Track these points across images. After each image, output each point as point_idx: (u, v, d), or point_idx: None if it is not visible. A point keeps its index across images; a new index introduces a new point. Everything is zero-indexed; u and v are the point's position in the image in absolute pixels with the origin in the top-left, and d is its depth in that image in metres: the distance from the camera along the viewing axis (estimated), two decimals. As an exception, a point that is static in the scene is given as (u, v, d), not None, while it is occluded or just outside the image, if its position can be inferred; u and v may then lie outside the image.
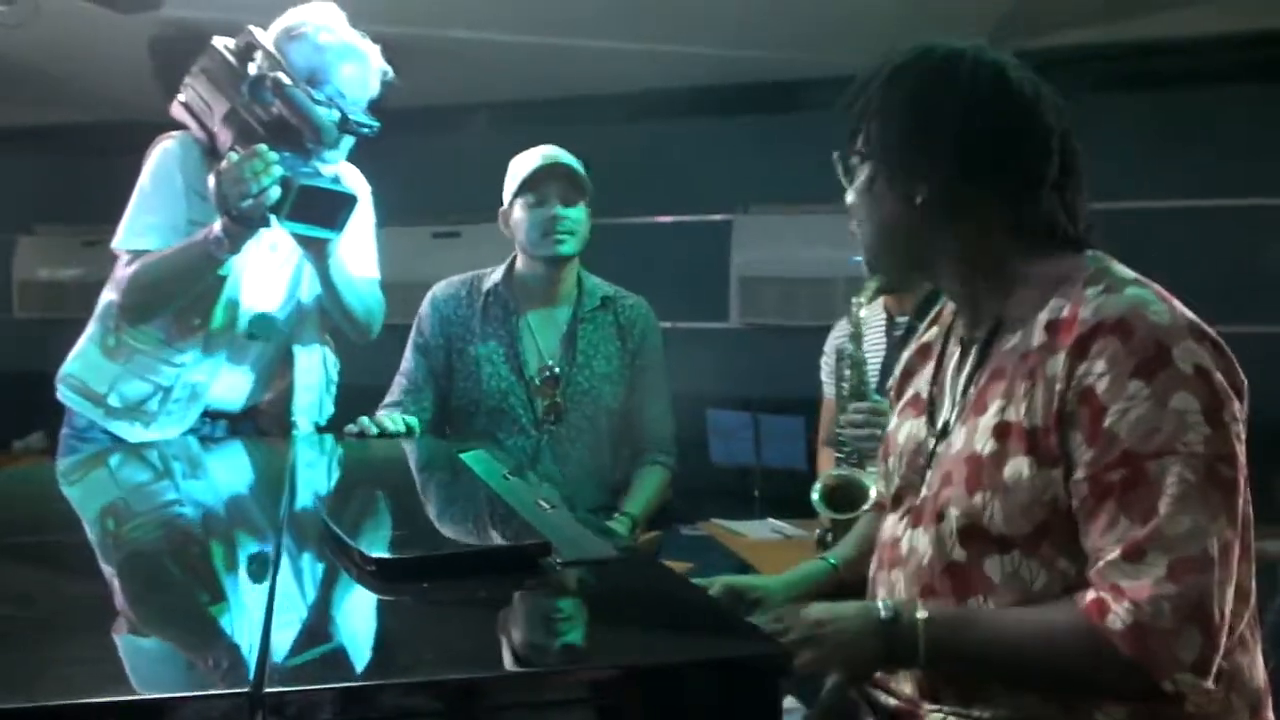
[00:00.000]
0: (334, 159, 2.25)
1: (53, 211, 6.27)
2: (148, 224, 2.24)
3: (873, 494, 2.09)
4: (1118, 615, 1.12)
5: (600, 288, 2.60)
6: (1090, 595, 1.15)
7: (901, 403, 1.48)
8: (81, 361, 2.32)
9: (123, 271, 2.25)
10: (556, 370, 2.50)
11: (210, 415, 2.37)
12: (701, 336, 5.18)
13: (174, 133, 2.29)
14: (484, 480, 1.58)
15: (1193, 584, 1.11)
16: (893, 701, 1.32)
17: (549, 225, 2.45)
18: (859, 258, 2.34)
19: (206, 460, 2.16)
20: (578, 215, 2.48)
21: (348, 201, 2.16)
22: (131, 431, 2.29)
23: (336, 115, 2.15)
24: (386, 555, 1.07)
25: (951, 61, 1.29)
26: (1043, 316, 1.24)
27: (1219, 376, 1.17)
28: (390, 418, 2.30)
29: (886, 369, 2.36)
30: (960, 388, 1.35)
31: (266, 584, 1.08)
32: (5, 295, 6.43)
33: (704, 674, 0.86)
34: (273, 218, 2.10)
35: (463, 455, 1.83)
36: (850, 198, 1.39)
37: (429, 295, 2.61)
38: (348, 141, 2.24)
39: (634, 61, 4.78)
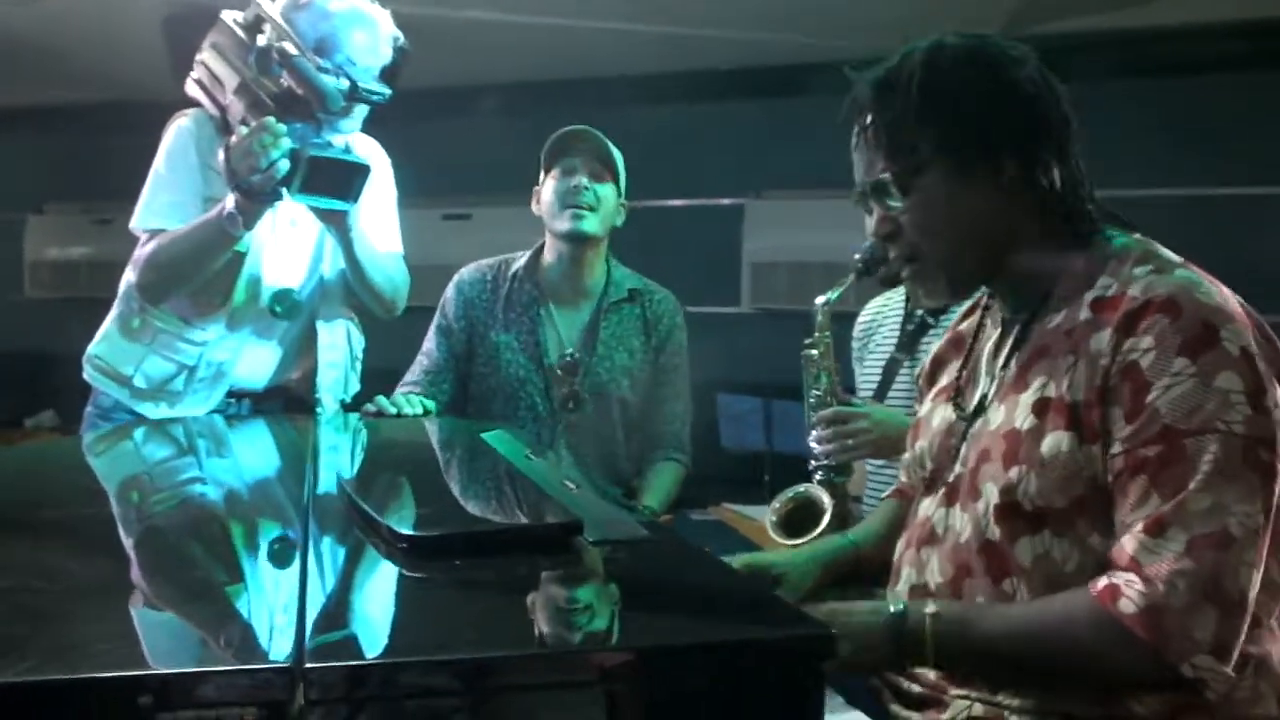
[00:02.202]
0: (347, 129, 2.23)
1: (63, 191, 6.28)
2: (164, 202, 2.24)
3: (828, 509, 2.03)
4: (1130, 599, 1.11)
5: (629, 279, 2.56)
6: (1102, 582, 1.14)
7: (934, 389, 1.48)
8: (106, 343, 2.33)
9: (141, 251, 2.25)
10: (576, 359, 2.48)
11: (235, 395, 2.36)
12: (713, 321, 5.17)
13: (188, 110, 2.28)
14: (508, 460, 1.58)
15: (1210, 561, 1.10)
16: (916, 688, 1.32)
17: (571, 196, 2.40)
18: (869, 244, 2.27)
19: (234, 439, 2.16)
20: (603, 192, 2.43)
21: (360, 171, 2.13)
22: (157, 411, 2.29)
23: (345, 84, 2.13)
24: (418, 533, 1.07)
25: (957, 50, 1.28)
26: (1089, 295, 1.24)
27: (1263, 362, 1.16)
28: (407, 399, 2.30)
29: (889, 371, 2.27)
30: (999, 366, 1.34)
31: (299, 562, 1.09)
32: (17, 275, 6.44)
33: (751, 655, 0.86)
34: (285, 192, 2.08)
35: (484, 435, 1.83)
36: (903, 209, 1.32)
37: (455, 278, 2.58)
38: (361, 110, 2.22)
39: (646, 44, 4.77)
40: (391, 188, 2.48)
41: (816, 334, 2.15)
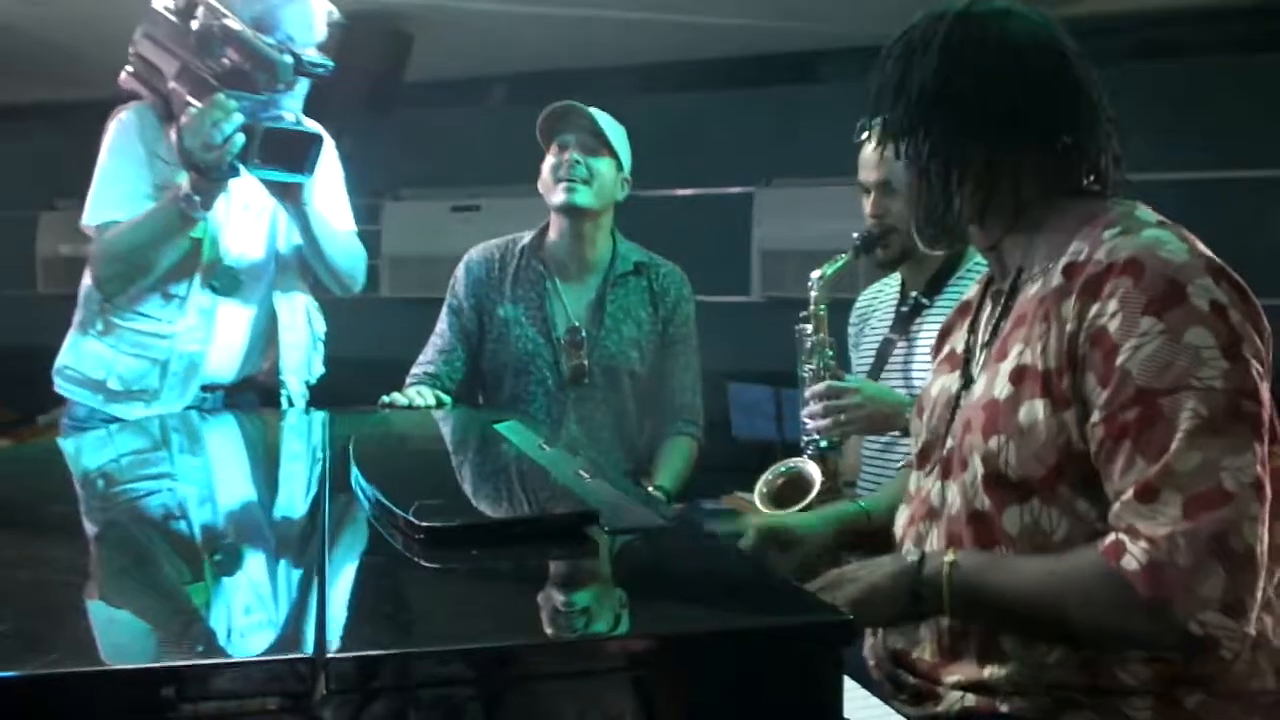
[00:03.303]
0: (290, 106, 2.20)
1: (74, 187, 6.26)
2: (114, 194, 2.22)
3: (818, 482, 2.04)
4: (1133, 555, 1.11)
5: (634, 253, 2.58)
6: (1109, 539, 1.14)
7: (938, 359, 1.49)
8: (74, 352, 2.30)
9: (95, 246, 2.23)
10: (583, 332, 2.50)
11: (207, 388, 2.34)
12: (723, 310, 5.16)
13: (128, 104, 2.27)
14: (522, 450, 1.58)
15: (1210, 519, 1.09)
16: (913, 680, 1.33)
17: (564, 170, 2.41)
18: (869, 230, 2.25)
19: (243, 435, 2.17)
20: (597, 165, 2.43)
21: (315, 141, 2.14)
22: (133, 412, 2.26)
23: (289, 58, 2.11)
24: (436, 523, 1.07)
25: (980, 17, 1.30)
26: (1062, 260, 1.24)
27: (1237, 314, 1.15)
28: (419, 392, 2.32)
29: (883, 352, 2.26)
30: (985, 338, 1.35)
31: (317, 554, 1.09)
32: (29, 271, 6.46)
33: (769, 642, 0.86)
34: (242, 168, 2.08)
35: (497, 426, 1.84)
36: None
37: (465, 258, 2.61)
38: (303, 87, 2.21)
39: (654, 33, 4.76)
40: (338, 168, 2.48)
41: (810, 308, 2.15)
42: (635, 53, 5.04)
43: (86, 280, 2.30)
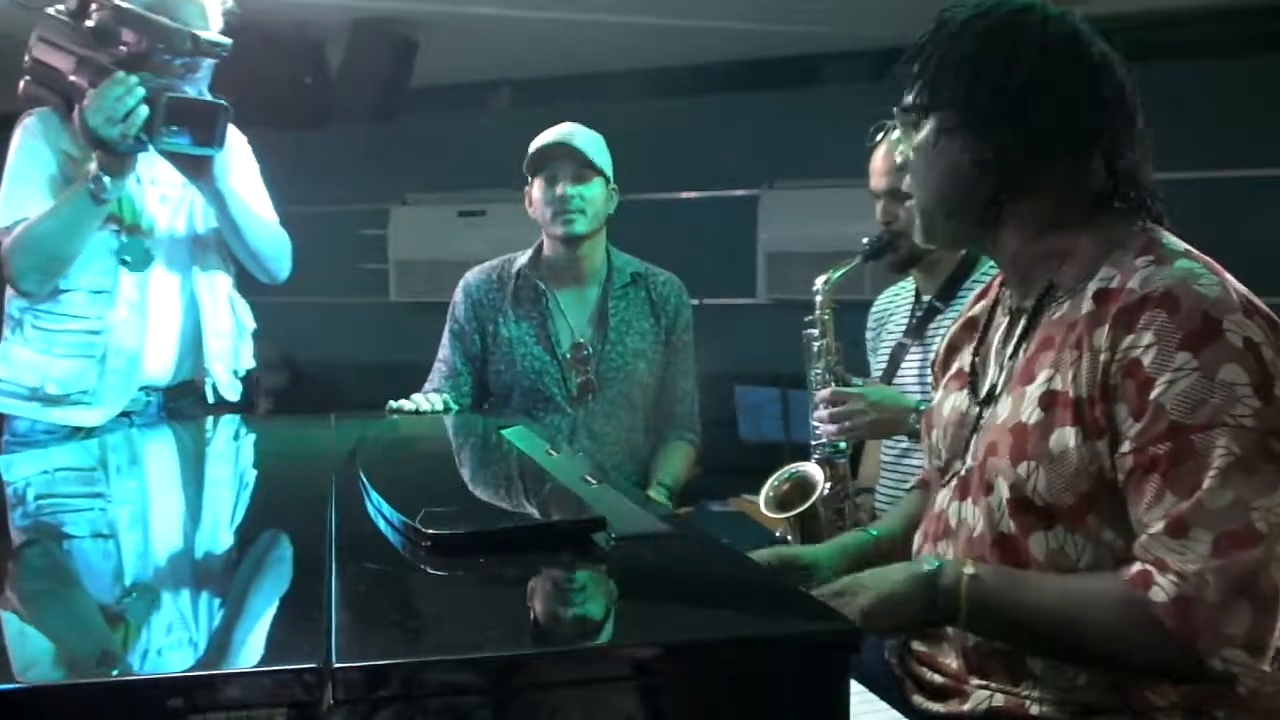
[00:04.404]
0: (193, 90, 2.19)
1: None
2: (22, 195, 2.22)
3: (821, 484, 2.05)
4: (1161, 587, 1.10)
5: (630, 264, 2.60)
6: (1135, 567, 1.14)
7: (946, 376, 1.47)
8: (6, 361, 2.27)
9: (5, 245, 2.21)
10: (589, 347, 2.51)
11: (146, 390, 2.32)
12: (729, 313, 5.17)
13: (32, 111, 2.28)
14: (529, 456, 1.59)
15: (1240, 558, 1.09)
16: (938, 678, 1.32)
17: (559, 205, 2.44)
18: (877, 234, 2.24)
19: (247, 441, 2.17)
20: (589, 193, 2.46)
21: (220, 111, 2.13)
22: (73, 415, 2.24)
23: (188, 39, 2.11)
24: (442, 531, 1.08)
25: (1024, 14, 1.27)
26: (1092, 285, 1.23)
27: (1270, 351, 1.14)
28: (428, 397, 2.32)
29: (896, 356, 2.26)
30: (1007, 357, 1.33)
31: (324, 563, 1.09)
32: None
33: (776, 649, 0.86)
34: (149, 145, 2.07)
35: (504, 431, 1.84)
36: (907, 155, 1.37)
37: (462, 282, 2.61)
38: (206, 71, 2.20)
39: (658, 37, 4.76)
40: (253, 161, 2.48)
41: (816, 313, 2.16)
42: (640, 57, 5.05)
43: (9, 289, 2.27)
